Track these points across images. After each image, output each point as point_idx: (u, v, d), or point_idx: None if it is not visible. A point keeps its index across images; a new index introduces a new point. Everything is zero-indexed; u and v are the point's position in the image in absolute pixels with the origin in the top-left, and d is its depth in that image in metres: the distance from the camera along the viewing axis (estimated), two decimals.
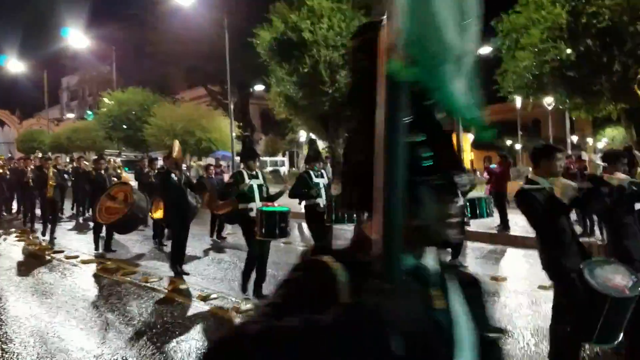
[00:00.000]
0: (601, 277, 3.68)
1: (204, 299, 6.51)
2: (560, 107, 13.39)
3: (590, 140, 47.29)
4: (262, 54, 15.41)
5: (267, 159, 39.66)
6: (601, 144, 46.62)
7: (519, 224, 7.78)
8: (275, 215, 6.39)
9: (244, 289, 6.59)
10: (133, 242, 10.51)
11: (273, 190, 7.12)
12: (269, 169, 36.22)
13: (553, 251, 3.86)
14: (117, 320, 5.78)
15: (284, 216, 6.46)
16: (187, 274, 7.80)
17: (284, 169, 39.17)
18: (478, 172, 15.90)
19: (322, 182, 7.35)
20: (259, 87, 30.37)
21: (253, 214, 6.41)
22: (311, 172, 7.36)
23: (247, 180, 6.51)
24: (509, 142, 45.09)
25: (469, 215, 8.33)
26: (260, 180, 6.74)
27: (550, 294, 7.12)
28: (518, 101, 21.41)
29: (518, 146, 42.05)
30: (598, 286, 3.53)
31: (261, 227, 6.28)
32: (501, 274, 8.39)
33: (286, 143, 43.87)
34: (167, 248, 9.61)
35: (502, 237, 10.13)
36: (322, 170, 7.55)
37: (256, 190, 6.60)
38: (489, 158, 16.44)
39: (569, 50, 9.08)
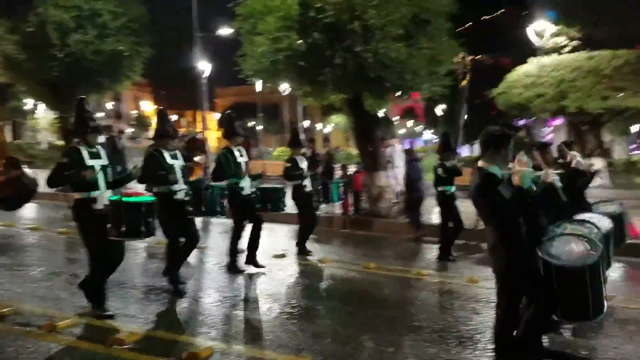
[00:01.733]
0: (560, 252, 3.65)
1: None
2: (294, 93, 14.61)
3: (319, 125, 52.87)
4: None
5: None
6: (328, 129, 52.67)
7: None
8: (141, 207, 5.00)
9: (100, 304, 5.12)
10: None
11: None
12: None
13: (512, 245, 3.63)
14: None
15: (151, 208, 5.10)
16: None
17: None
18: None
19: (177, 164, 6.04)
20: None
21: (99, 205, 5.00)
22: (164, 152, 5.98)
23: (87, 160, 4.99)
24: (251, 124, 47.25)
25: (322, 199, 8.27)
26: (104, 160, 5.21)
27: (283, 262, 7.91)
28: (258, 85, 22.62)
29: (259, 127, 44.37)
30: (564, 262, 3.53)
31: (119, 224, 4.88)
32: (242, 246, 8.95)
33: (6, 111, 37.92)
34: None
35: None
36: (177, 151, 6.25)
37: (100, 174, 5.07)
38: None
39: (299, 41, 9.93)
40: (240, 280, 6.92)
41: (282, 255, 8.31)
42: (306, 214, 8.34)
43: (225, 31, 17.56)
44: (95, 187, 5.00)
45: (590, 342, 4.94)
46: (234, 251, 7.14)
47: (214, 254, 8.26)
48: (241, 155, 7.03)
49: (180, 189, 5.98)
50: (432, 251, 9.25)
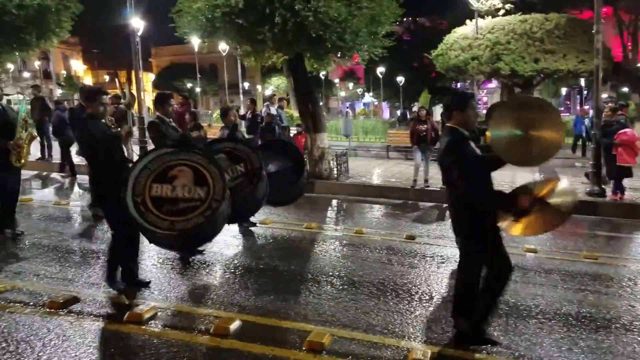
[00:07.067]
0: None
1: None
2: (233, 53, 14.22)
3: (259, 87, 52.02)
4: None
5: None
6: (269, 91, 51.95)
7: None
8: None
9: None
10: None
11: None
12: None
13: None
14: None
15: None
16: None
17: None
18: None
19: None
20: None
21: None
22: None
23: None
24: (189, 85, 45.91)
25: None
26: None
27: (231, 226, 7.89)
28: (195, 44, 21.85)
29: (198, 89, 43.17)
30: None
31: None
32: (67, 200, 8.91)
33: None
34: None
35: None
36: None
37: None
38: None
39: None
40: None
41: None
42: None
43: None
44: None
45: (517, 289, 5.27)
46: None
47: None
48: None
49: None
50: (372, 211, 9.48)
